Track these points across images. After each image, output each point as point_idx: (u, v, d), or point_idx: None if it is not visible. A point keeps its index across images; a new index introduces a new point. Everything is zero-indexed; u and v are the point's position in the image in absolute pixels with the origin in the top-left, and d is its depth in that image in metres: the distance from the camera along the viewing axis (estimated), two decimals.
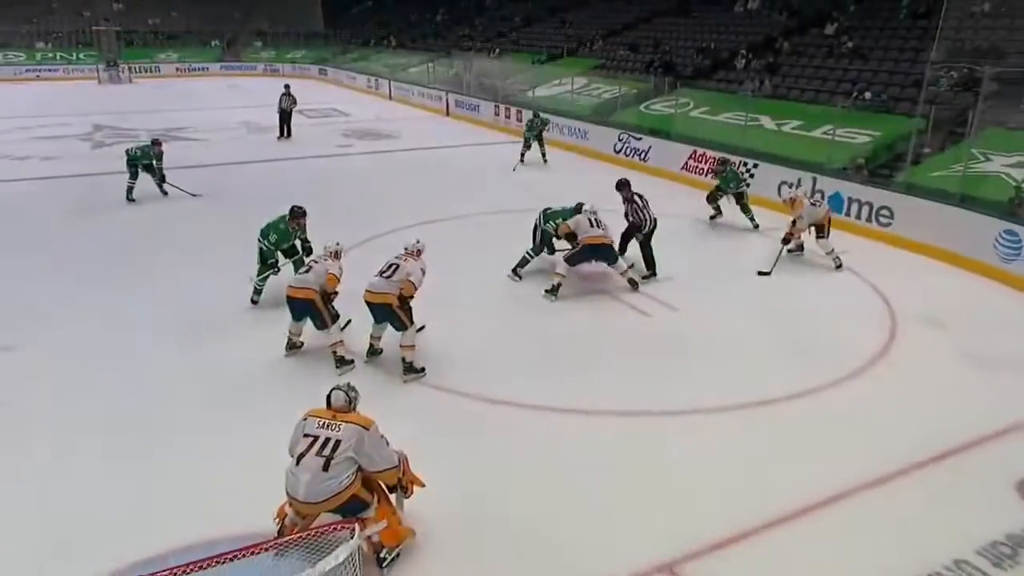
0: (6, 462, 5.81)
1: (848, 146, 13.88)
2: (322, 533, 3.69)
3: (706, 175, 14.57)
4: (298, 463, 4.35)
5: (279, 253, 9.03)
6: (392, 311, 7.06)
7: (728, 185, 12.15)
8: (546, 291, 9.25)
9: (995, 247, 9.93)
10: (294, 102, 20.70)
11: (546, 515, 5.25)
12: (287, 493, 4.40)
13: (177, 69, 39.92)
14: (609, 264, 9.35)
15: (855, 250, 10.97)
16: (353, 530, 3.59)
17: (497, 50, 30.74)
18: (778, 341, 8.12)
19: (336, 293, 7.36)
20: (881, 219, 11.62)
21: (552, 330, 8.43)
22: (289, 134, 20.83)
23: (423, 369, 7.34)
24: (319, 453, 4.32)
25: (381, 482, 4.65)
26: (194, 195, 14.14)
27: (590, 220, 9.27)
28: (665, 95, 19.43)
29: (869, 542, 5.02)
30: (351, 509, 4.40)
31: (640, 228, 9.91)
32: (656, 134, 16.89)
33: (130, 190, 13.70)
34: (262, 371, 7.30)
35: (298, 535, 3.81)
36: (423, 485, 4.89)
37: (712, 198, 12.57)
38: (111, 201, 13.65)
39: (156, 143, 13.88)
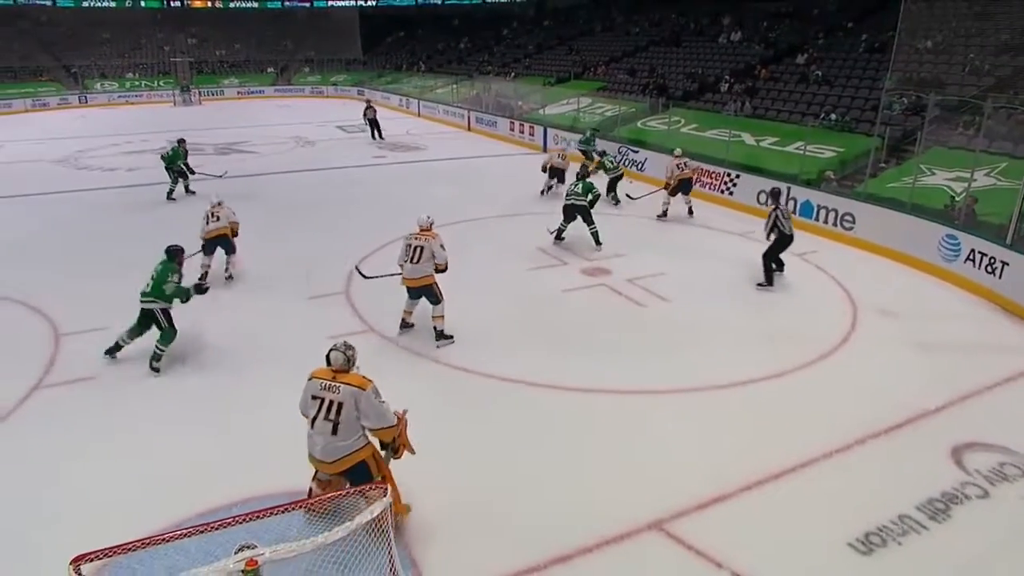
0: (99, 425, 5.94)
1: (817, 160, 13.82)
2: (359, 492, 3.69)
3: (695, 183, 14.52)
4: (313, 426, 4.26)
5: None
6: (430, 288, 7.35)
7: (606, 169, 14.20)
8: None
9: (938, 249, 9.89)
10: (375, 112, 23.02)
11: (546, 480, 5.28)
12: (308, 452, 4.35)
13: (238, 92, 40.06)
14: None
15: (822, 250, 10.94)
16: (385, 489, 3.60)
17: (513, 73, 30.65)
18: (755, 329, 8.10)
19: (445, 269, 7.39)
20: (845, 224, 11.55)
21: (556, 318, 8.44)
22: (381, 136, 22.80)
23: (452, 336, 7.43)
24: (326, 418, 4.19)
25: (378, 439, 4.43)
26: (219, 176, 15.02)
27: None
28: (659, 114, 19.37)
29: (828, 502, 5.05)
30: (359, 474, 4.27)
31: (790, 241, 9.32)
32: (651, 147, 16.81)
33: (170, 192, 14.16)
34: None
35: (337, 493, 3.78)
36: (413, 452, 4.67)
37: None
38: (180, 205, 13.82)
39: (181, 141, 14.47)
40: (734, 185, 13.95)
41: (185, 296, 7.10)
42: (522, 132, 22.22)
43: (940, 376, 6.94)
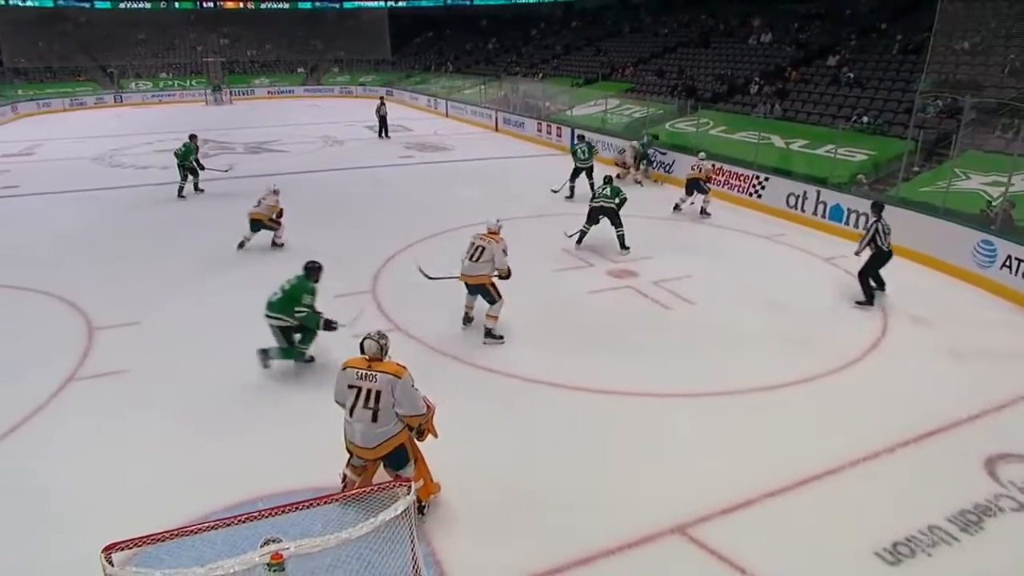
0: (131, 418, 6.05)
1: (848, 163, 13.61)
2: (382, 488, 3.73)
3: (722, 185, 14.42)
4: (351, 414, 4.36)
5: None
6: (486, 288, 7.47)
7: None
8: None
9: (973, 255, 9.69)
10: (386, 110, 23.37)
11: (568, 481, 5.28)
12: (346, 439, 4.44)
13: (268, 92, 40.55)
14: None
15: (853, 256, 10.75)
16: (409, 487, 3.62)
17: (540, 74, 30.62)
18: (783, 334, 8.00)
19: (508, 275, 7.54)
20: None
21: (581, 319, 8.43)
22: (387, 135, 23.25)
23: (502, 337, 7.54)
24: (366, 405, 4.29)
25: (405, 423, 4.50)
26: (225, 170, 15.11)
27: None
28: (688, 115, 19.18)
29: (855, 510, 4.97)
30: (397, 458, 4.42)
31: (888, 258, 8.74)
32: (679, 149, 16.70)
33: (180, 188, 14.35)
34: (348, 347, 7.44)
35: (360, 490, 3.85)
36: (436, 436, 4.74)
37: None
38: (212, 203, 14.02)
39: (193, 137, 14.67)
40: (763, 188, 13.80)
41: (315, 324, 6.65)
42: (549, 133, 22.19)
43: (973, 384, 6.79)
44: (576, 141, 15.61)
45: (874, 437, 5.79)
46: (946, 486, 5.21)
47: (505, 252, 7.46)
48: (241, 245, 10.70)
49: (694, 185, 13.13)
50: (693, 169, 13.26)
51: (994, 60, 15.25)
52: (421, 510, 4.57)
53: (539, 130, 22.88)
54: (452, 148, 21.69)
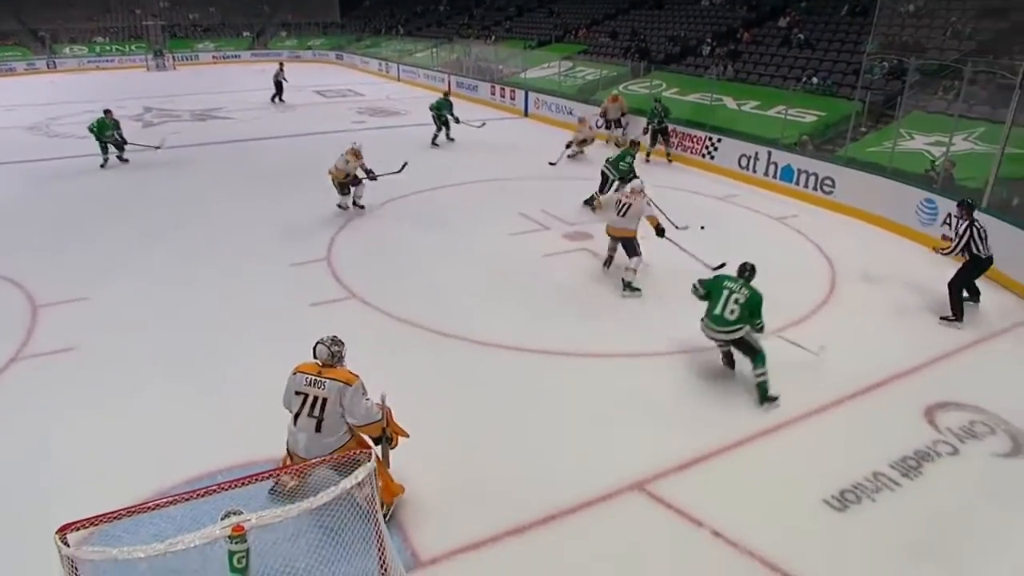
0: (81, 396, 5.89)
1: (799, 124, 13.81)
2: (343, 457, 3.71)
3: (676, 147, 14.52)
4: (296, 423, 4.12)
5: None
6: (630, 241, 8.03)
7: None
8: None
9: (917, 213, 10.00)
10: (285, 78, 22.93)
11: (529, 443, 5.36)
12: (287, 449, 4.22)
13: (213, 57, 39.02)
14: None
15: (803, 215, 11.01)
16: (370, 453, 3.61)
17: (493, 37, 30.14)
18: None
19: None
20: (825, 188, 11.61)
21: (538, 283, 8.45)
22: (281, 99, 22.76)
23: (639, 289, 7.98)
24: (310, 414, 4.05)
25: (365, 435, 4.30)
26: (156, 147, 14.32)
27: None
28: (641, 77, 19.22)
29: (805, 461, 5.17)
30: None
31: (987, 265, 7.53)
32: (633, 112, 16.70)
33: (104, 163, 13.85)
34: (304, 315, 7.36)
35: (321, 459, 3.80)
36: (407, 436, 4.52)
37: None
38: (158, 172, 13.57)
39: (107, 112, 14.03)
40: (715, 149, 13.95)
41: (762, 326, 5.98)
42: (503, 96, 21.97)
43: (916, 339, 7.07)
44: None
45: (823, 392, 6.00)
46: (889, 435, 5.44)
47: (650, 204, 8.18)
48: (342, 207, 10.70)
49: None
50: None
51: (937, 23, 15.54)
52: (385, 515, 4.25)
53: (493, 93, 22.63)
54: (405, 112, 21.31)
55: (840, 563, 4.26)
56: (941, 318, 7.54)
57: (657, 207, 8.48)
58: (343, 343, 4.29)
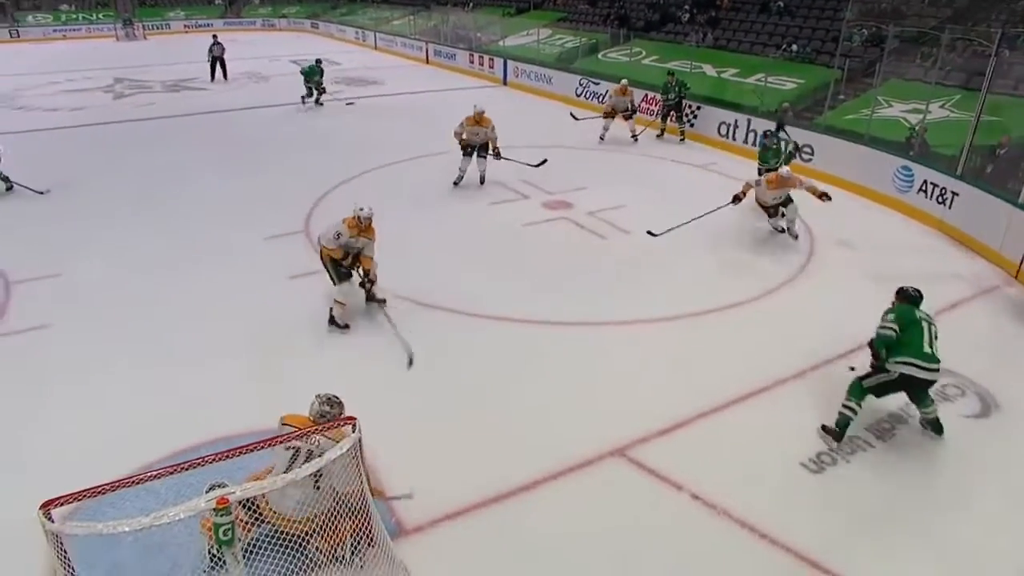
0: (59, 373, 5.84)
1: (778, 92, 13.81)
2: (327, 428, 3.72)
3: (656, 116, 14.48)
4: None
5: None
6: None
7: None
8: None
9: (893, 180, 10.11)
10: (223, 50, 20.64)
11: (509, 411, 5.41)
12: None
13: (185, 26, 37.98)
14: None
15: None
16: (354, 424, 3.62)
17: (471, 4, 29.65)
18: (715, 261, 8.24)
19: None
20: (804, 155, 11.67)
21: (519, 252, 8.47)
22: (225, 77, 20.73)
23: (797, 236, 8.63)
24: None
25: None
26: (41, 192, 10.34)
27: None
28: (620, 45, 19.07)
29: (783, 426, 5.26)
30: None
31: None
32: (612, 80, 16.60)
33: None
34: (281, 287, 7.31)
35: (305, 430, 3.81)
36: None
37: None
38: (131, 145, 13.30)
39: None
40: (695, 117, 13.93)
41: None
42: (481, 64, 21.71)
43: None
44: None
45: (802, 357, 6.10)
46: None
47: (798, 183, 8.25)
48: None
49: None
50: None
51: None
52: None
53: (471, 61, 22.36)
54: (382, 82, 21.01)
55: (816, 523, 4.37)
56: None
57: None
58: (341, 403, 4.01)
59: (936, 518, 4.44)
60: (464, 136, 10.12)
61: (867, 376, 5.09)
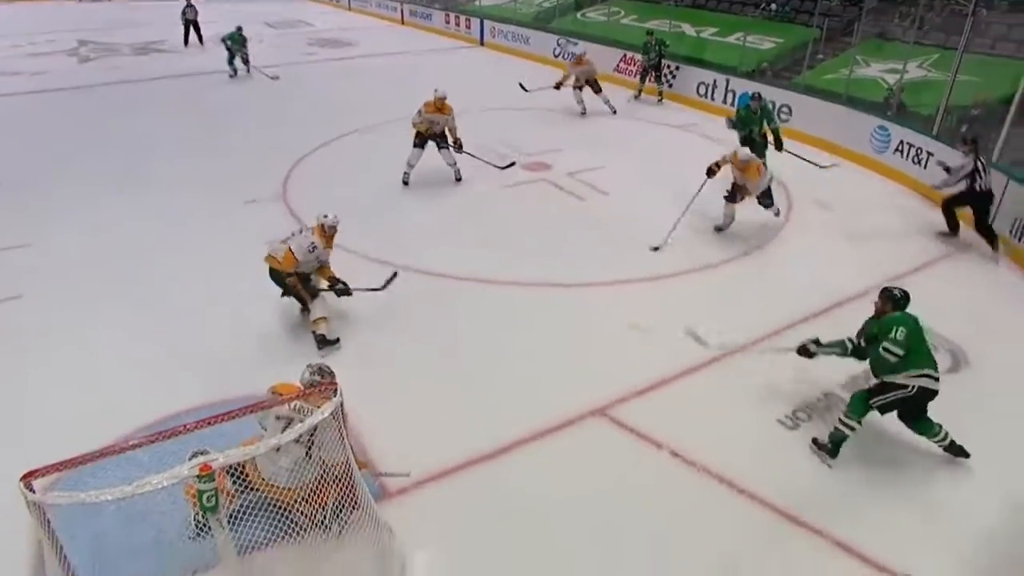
0: (35, 344, 5.78)
1: (757, 51, 13.72)
2: (309, 394, 3.71)
3: (635, 76, 14.33)
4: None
5: None
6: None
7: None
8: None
9: (871, 140, 10.14)
10: (196, 13, 19.38)
11: (492, 374, 5.45)
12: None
13: None
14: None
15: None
16: (336, 389, 3.61)
17: None
18: (693, 222, 8.24)
19: None
20: (782, 115, 11.63)
21: (499, 214, 8.44)
22: (200, 41, 19.46)
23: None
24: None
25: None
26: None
27: None
28: (599, 4, 18.76)
29: (760, 384, 5.34)
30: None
31: (988, 200, 7.44)
32: (591, 39, 16.38)
33: None
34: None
35: (287, 396, 3.79)
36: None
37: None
38: (100, 111, 12.93)
39: None
40: (673, 77, 13.83)
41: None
42: (458, 25, 21.30)
43: (866, 264, 7.27)
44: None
45: (779, 316, 6.18)
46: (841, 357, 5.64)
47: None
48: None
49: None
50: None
51: None
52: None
53: (447, 22, 21.92)
54: (357, 43, 20.56)
55: (793, 478, 4.48)
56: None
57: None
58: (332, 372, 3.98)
59: (911, 471, 4.57)
60: (422, 125, 8.81)
61: (875, 394, 4.57)
